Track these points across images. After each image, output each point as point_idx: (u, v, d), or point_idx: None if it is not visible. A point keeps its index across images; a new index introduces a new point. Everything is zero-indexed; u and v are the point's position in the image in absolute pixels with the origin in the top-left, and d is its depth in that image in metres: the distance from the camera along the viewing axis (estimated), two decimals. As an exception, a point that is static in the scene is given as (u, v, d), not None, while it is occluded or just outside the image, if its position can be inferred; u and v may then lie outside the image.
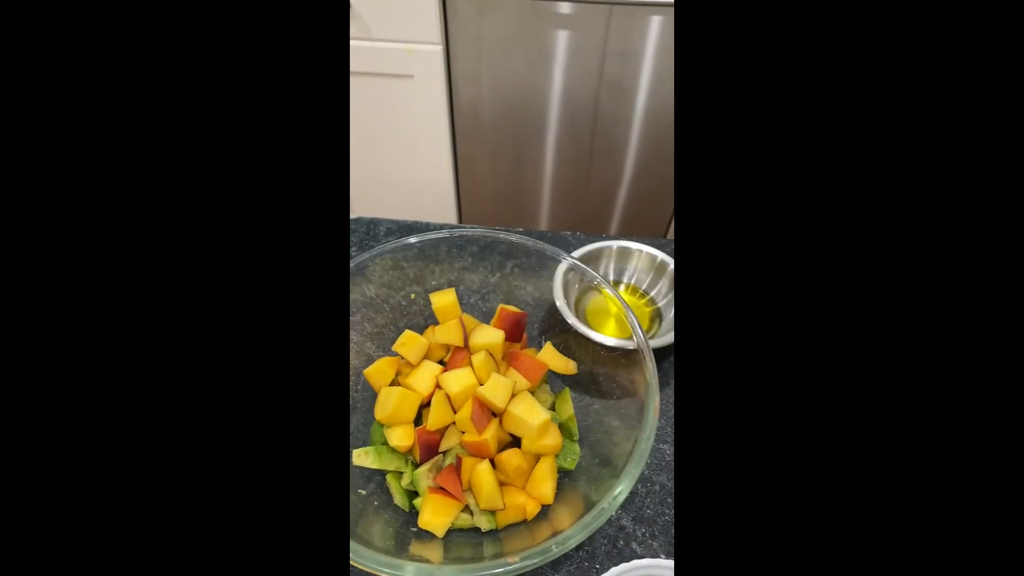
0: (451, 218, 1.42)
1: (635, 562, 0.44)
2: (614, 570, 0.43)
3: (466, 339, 0.53)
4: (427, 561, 0.40)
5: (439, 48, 1.13)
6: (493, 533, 0.46)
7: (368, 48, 1.14)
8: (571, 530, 0.39)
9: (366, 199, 1.40)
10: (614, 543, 0.48)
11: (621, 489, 0.40)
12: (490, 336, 0.51)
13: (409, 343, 0.52)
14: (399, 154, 1.29)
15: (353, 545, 0.38)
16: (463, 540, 0.46)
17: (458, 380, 0.48)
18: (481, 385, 0.49)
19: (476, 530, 0.47)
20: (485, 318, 0.59)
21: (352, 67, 1.17)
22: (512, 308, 0.54)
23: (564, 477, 0.49)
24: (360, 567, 0.37)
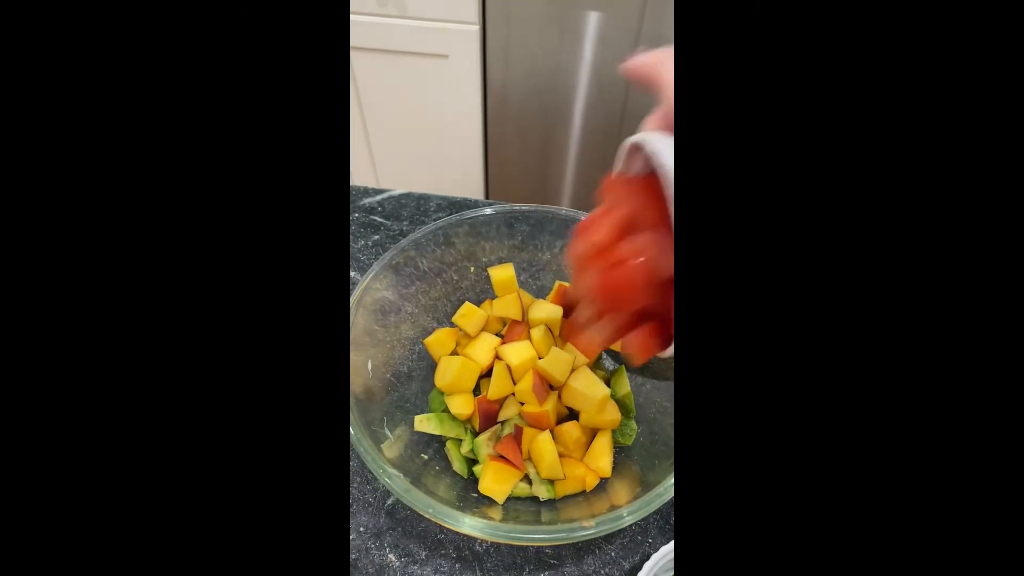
0: (479, 196, 1.42)
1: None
2: (668, 547, 0.44)
3: (524, 313, 0.54)
4: (491, 519, 0.41)
5: (475, 28, 1.12)
6: (551, 503, 0.47)
7: (403, 26, 1.13)
8: (632, 505, 0.39)
9: (396, 175, 1.40)
10: (667, 519, 0.49)
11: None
12: (548, 311, 0.52)
13: (468, 315, 0.53)
14: (431, 133, 1.29)
15: (420, 496, 0.39)
16: (521, 508, 0.46)
17: (518, 352, 0.49)
18: (540, 359, 0.49)
19: (533, 500, 0.47)
20: (537, 294, 0.60)
21: (386, 45, 1.17)
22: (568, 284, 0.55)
23: (620, 452, 0.50)
24: (427, 516, 0.38)
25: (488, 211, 0.57)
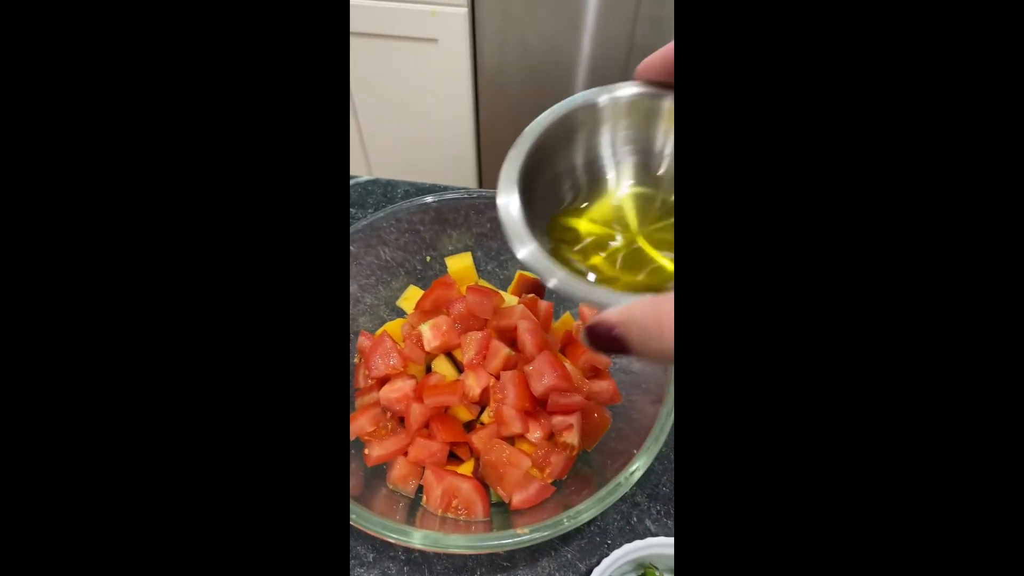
0: (471, 185, 1.39)
1: (649, 540, 0.42)
2: (626, 547, 0.42)
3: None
4: (434, 529, 0.39)
5: (464, 11, 1.09)
6: (502, 505, 0.45)
7: (391, 9, 1.11)
8: (583, 504, 0.37)
9: (386, 164, 1.38)
10: (627, 519, 0.46)
11: (638, 466, 0.39)
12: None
13: (412, 298, 0.51)
14: (421, 119, 1.27)
15: (360, 510, 0.37)
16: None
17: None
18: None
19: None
20: (502, 285, 0.57)
21: (374, 30, 1.14)
22: (530, 274, 0.52)
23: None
24: (368, 532, 0.36)
25: (454, 195, 0.54)
